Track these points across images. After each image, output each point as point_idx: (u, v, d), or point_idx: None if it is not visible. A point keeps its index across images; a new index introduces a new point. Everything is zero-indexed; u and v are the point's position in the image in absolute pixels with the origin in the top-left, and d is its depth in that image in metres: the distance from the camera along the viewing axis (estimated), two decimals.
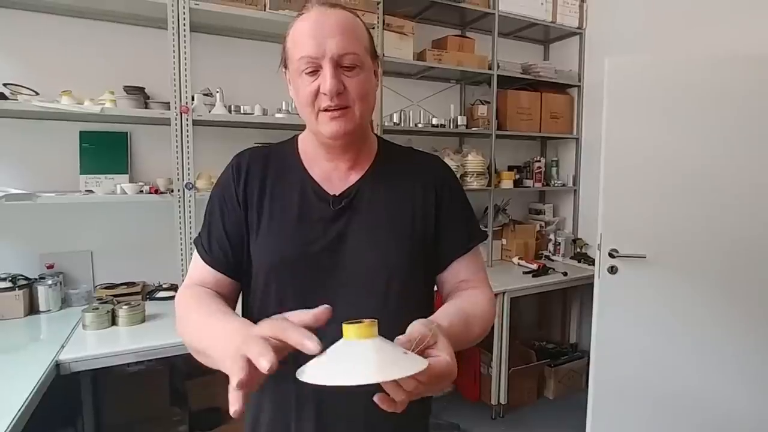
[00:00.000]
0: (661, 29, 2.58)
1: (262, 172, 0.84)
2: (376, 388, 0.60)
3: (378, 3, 2.31)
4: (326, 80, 0.72)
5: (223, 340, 0.62)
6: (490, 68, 2.81)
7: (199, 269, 0.83)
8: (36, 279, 1.90)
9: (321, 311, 0.59)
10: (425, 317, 0.88)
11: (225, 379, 0.55)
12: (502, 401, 2.59)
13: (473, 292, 0.84)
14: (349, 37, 0.74)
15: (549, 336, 3.33)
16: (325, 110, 0.75)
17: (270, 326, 0.56)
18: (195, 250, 0.85)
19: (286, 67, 0.81)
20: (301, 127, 0.88)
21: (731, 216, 2.00)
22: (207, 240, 0.83)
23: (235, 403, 0.51)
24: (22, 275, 1.89)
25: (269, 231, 0.80)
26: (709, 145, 2.00)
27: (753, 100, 1.94)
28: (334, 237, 0.79)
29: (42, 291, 1.86)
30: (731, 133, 1.97)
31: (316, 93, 0.74)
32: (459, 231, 0.88)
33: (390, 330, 0.78)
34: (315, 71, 0.74)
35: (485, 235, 0.91)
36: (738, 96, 1.96)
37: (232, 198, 0.82)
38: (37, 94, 1.84)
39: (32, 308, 1.86)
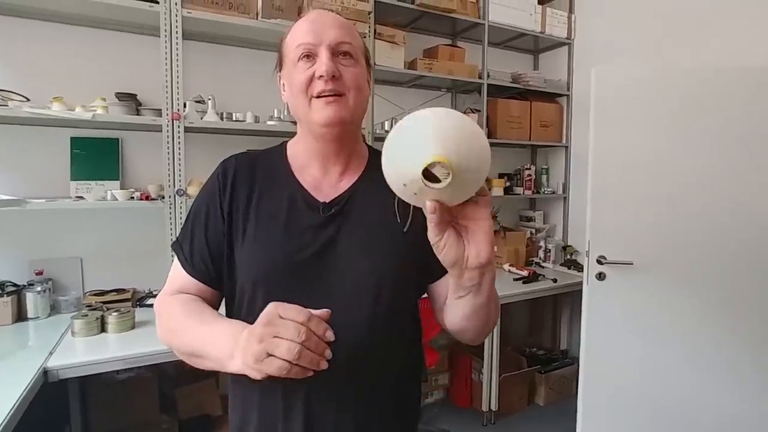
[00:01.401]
0: (646, 40, 2.64)
1: (250, 179, 0.82)
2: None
3: (369, 12, 2.34)
4: (322, 63, 0.74)
5: (225, 340, 0.66)
6: (480, 77, 2.85)
7: (180, 278, 0.82)
8: (24, 285, 1.89)
9: (323, 314, 0.62)
10: (415, 324, 0.89)
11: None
12: (493, 408, 2.60)
13: None
14: (346, 32, 0.78)
15: (540, 342, 3.35)
16: (319, 96, 0.75)
17: None
18: (176, 258, 0.83)
19: (281, 68, 0.82)
20: (293, 134, 0.88)
21: (716, 222, 2.03)
22: (189, 250, 0.81)
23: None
24: (10, 282, 1.87)
25: (256, 239, 0.79)
26: (694, 153, 2.04)
27: (736, 110, 1.99)
28: (323, 244, 0.78)
29: (30, 297, 1.85)
30: (715, 141, 2.01)
31: (311, 79, 0.75)
32: None
33: (381, 336, 0.79)
34: (311, 58, 0.75)
35: None
36: (721, 105, 2.00)
37: (216, 209, 0.81)
38: (27, 100, 1.84)
39: (20, 315, 1.85)
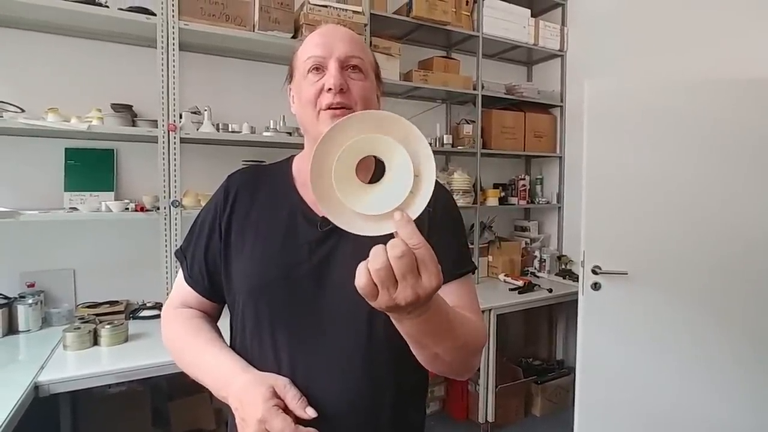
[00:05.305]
0: (638, 53, 2.67)
1: (252, 195, 0.83)
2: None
3: (365, 25, 2.36)
4: (331, 75, 0.74)
5: (217, 377, 0.72)
6: (474, 89, 2.87)
7: (183, 289, 0.86)
8: (16, 298, 1.86)
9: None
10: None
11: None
12: (490, 419, 2.58)
13: (465, 314, 0.77)
14: (356, 46, 0.78)
15: (535, 353, 3.34)
16: (327, 108, 0.75)
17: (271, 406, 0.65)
18: (180, 267, 0.87)
19: (291, 80, 0.84)
20: (289, 145, 0.89)
21: (709, 233, 2.05)
22: (190, 263, 0.84)
23: None
24: (1, 294, 1.85)
25: (253, 253, 0.79)
26: (686, 163, 2.06)
27: (727, 121, 2.01)
28: (319, 260, 0.76)
29: (22, 310, 1.82)
30: (708, 152, 2.04)
31: (320, 91, 0.75)
32: (446, 257, 0.77)
33: (375, 356, 0.76)
34: (320, 70, 0.76)
35: (474, 266, 0.89)
36: (713, 117, 2.03)
37: (215, 226, 0.83)
38: (22, 111, 1.84)
39: (11, 328, 1.82)
